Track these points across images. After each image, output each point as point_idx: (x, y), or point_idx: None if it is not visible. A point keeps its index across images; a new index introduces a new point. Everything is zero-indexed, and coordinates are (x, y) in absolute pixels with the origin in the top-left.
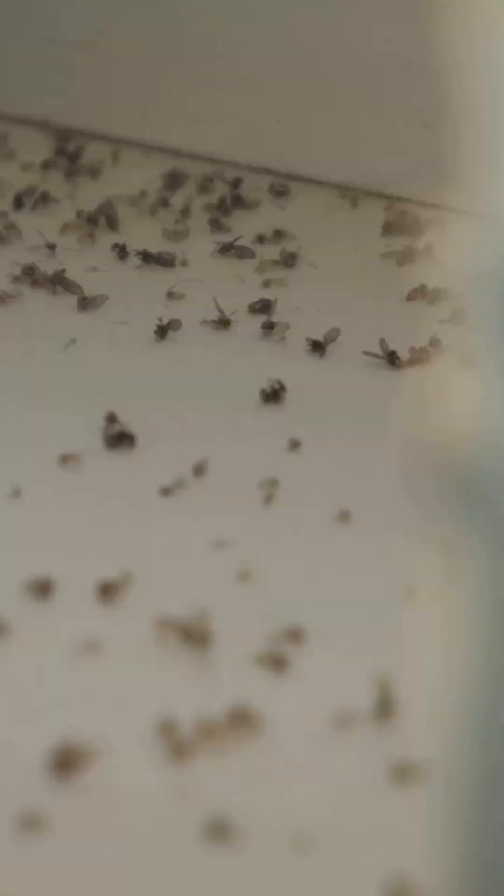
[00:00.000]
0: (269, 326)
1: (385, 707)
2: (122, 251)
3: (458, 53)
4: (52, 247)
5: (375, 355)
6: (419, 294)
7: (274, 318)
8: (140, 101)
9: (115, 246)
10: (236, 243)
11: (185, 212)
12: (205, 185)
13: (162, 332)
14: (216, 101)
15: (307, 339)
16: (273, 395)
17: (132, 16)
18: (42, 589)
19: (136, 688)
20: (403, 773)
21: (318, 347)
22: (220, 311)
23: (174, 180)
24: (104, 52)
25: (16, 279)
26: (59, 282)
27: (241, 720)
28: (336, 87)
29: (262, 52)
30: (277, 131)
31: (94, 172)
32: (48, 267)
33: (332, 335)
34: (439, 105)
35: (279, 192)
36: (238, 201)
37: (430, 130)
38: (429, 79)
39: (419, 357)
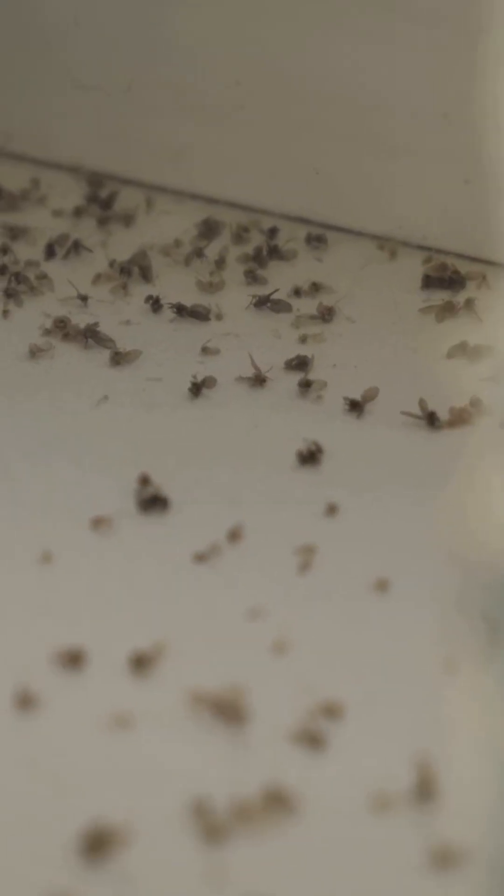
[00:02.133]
0: (305, 384)
1: (425, 787)
2: (155, 303)
3: (498, 110)
4: (84, 298)
5: (414, 416)
6: (459, 351)
7: (311, 376)
8: (174, 147)
9: (149, 298)
10: (272, 296)
11: (220, 262)
12: (240, 235)
13: (196, 389)
14: (252, 149)
15: (345, 399)
16: (310, 456)
17: (166, 61)
18: (73, 659)
19: (169, 764)
20: (443, 857)
21: (355, 407)
22: (256, 367)
23: (209, 229)
24: (138, 97)
25: (47, 332)
26: (91, 335)
27: (277, 799)
28: (375, 138)
29: (299, 100)
30: (314, 180)
31: (128, 220)
32: (80, 320)
33: (371, 394)
34: (480, 160)
35: (316, 244)
36: (274, 252)
37: (470, 185)
38: (470, 133)
39: (459, 417)
